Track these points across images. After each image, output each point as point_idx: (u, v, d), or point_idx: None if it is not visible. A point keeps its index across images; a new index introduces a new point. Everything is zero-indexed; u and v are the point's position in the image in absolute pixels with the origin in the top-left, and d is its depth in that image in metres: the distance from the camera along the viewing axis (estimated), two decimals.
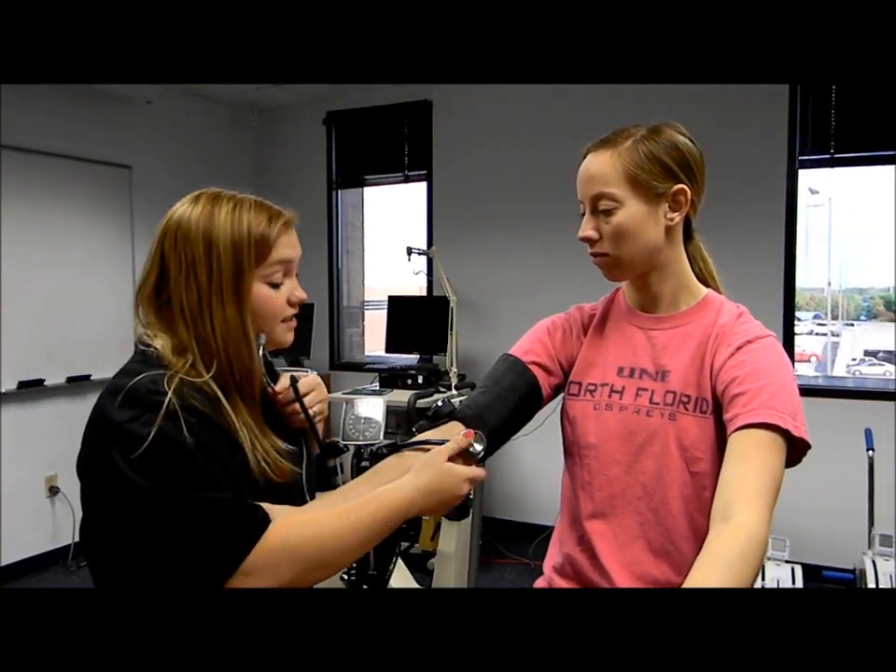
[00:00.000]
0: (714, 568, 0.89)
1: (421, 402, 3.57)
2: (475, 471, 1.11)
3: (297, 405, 1.18)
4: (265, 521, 0.97)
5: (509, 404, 1.22)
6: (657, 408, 1.17)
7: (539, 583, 1.32)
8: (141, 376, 1.00)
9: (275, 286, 1.10)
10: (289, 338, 1.16)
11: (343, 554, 1.01)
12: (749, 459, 0.99)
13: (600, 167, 1.16)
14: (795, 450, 1.03)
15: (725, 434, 1.05)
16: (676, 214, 1.17)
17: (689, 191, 1.16)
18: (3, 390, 3.75)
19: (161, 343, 1.05)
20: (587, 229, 1.19)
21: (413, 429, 1.19)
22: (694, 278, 1.24)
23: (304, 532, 0.99)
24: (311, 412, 1.19)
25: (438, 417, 1.20)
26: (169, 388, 0.98)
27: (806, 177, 3.84)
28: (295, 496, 1.15)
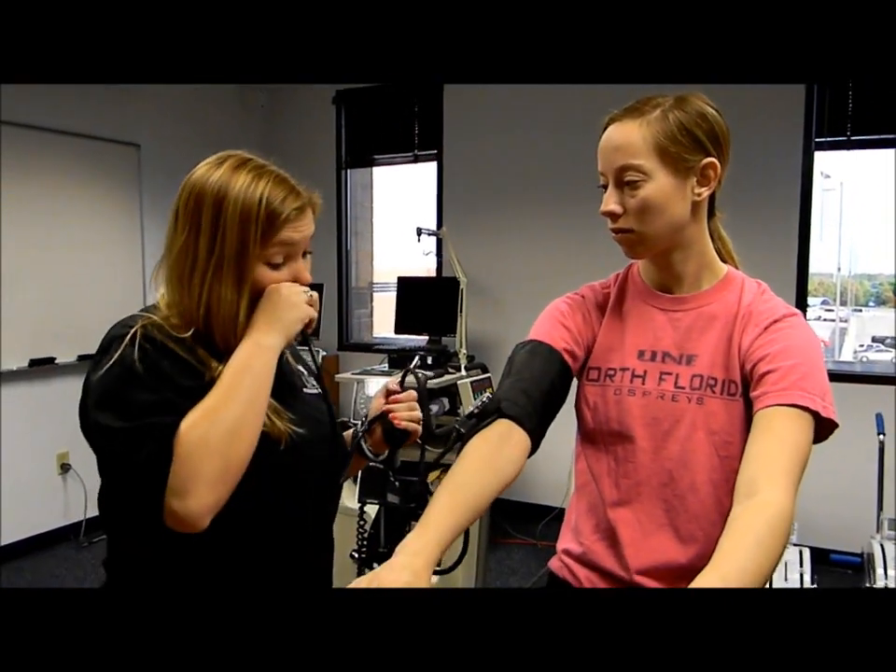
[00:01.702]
0: (742, 544, 0.87)
1: (431, 383, 3.57)
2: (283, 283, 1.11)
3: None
4: (171, 438, 0.96)
5: (550, 397, 1.15)
6: (683, 392, 1.13)
7: (554, 563, 1.30)
8: (125, 317, 1.06)
9: (275, 266, 1.08)
10: None
11: (243, 416, 1.00)
12: (777, 436, 0.98)
13: (627, 137, 1.10)
14: (823, 429, 1.02)
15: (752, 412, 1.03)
16: (704, 189, 1.12)
17: (718, 166, 1.11)
18: (14, 368, 3.77)
19: (161, 298, 1.09)
20: (610, 202, 1.13)
21: (458, 427, 1.11)
22: (717, 256, 1.20)
23: (198, 422, 0.98)
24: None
25: (486, 415, 1.11)
26: (138, 322, 1.03)
27: (819, 161, 3.81)
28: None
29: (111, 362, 0.99)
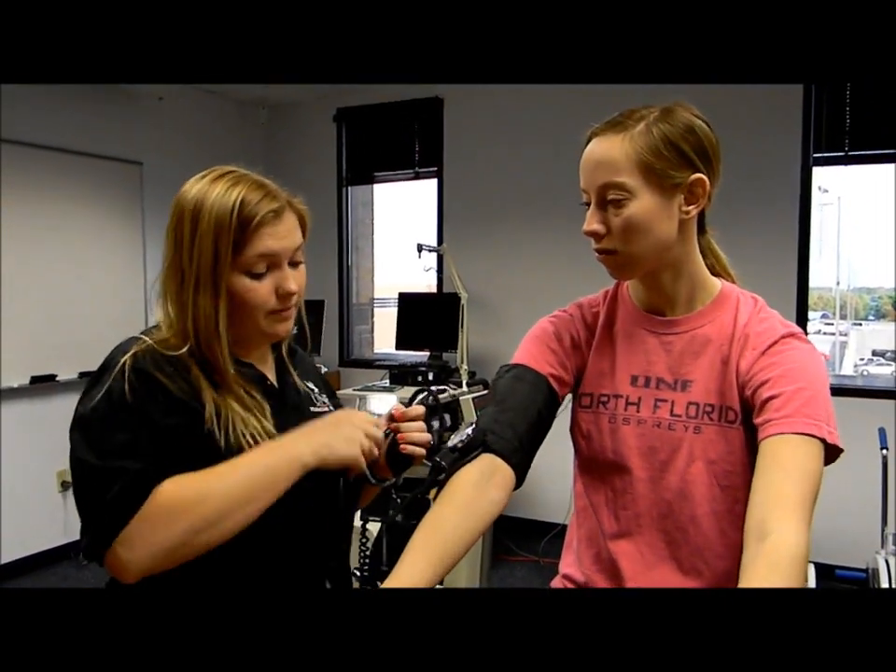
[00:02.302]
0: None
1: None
2: (368, 418, 1.08)
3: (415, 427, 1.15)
4: (146, 491, 0.95)
5: (536, 427, 1.11)
6: (679, 420, 1.09)
7: (556, 583, 1.27)
8: (123, 340, 1.06)
9: (257, 276, 1.06)
10: (281, 329, 1.12)
11: (229, 513, 0.97)
12: (783, 467, 0.93)
13: (609, 153, 1.04)
14: (827, 454, 0.97)
15: (756, 440, 0.99)
16: (692, 206, 1.06)
17: (707, 182, 1.05)
18: (15, 385, 3.77)
19: (159, 316, 1.10)
20: (593, 222, 1.07)
21: (440, 461, 1.06)
22: (709, 274, 1.15)
23: (184, 494, 0.97)
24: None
25: (471, 449, 1.06)
26: (133, 348, 1.03)
27: (816, 176, 3.82)
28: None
29: (98, 396, 0.99)
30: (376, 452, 1.07)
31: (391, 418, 1.18)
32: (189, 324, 1.05)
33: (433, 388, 1.21)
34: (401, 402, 1.21)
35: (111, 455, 0.97)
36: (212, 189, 1.05)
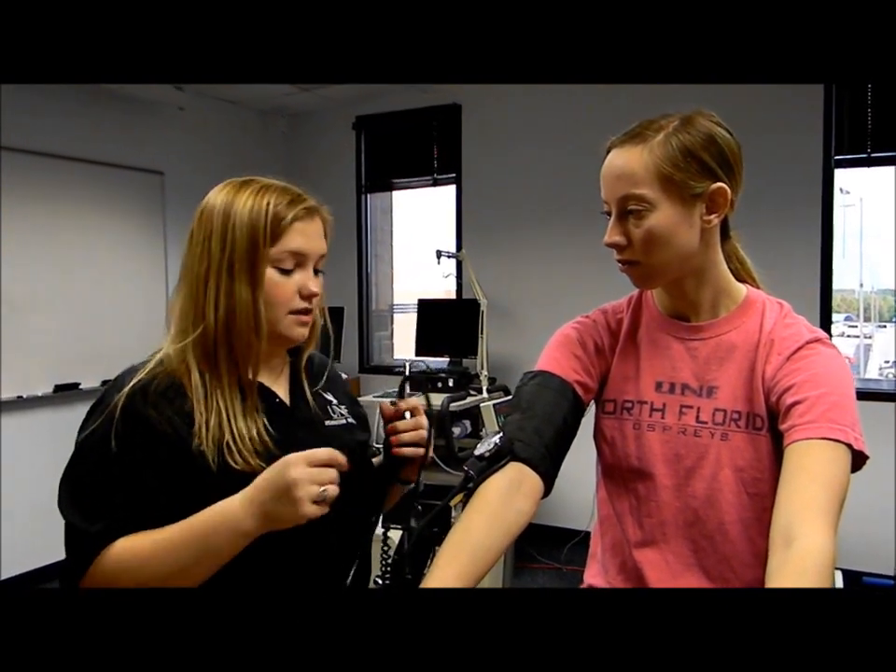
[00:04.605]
0: None
1: (453, 406, 3.56)
2: (308, 454, 0.94)
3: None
4: (96, 553, 1.01)
5: (563, 435, 1.10)
6: (706, 427, 1.08)
7: None
8: (123, 370, 1.09)
9: (285, 272, 1.07)
10: (298, 333, 1.11)
11: (165, 581, 0.98)
12: (809, 473, 0.92)
13: (628, 165, 1.04)
14: (853, 461, 0.95)
15: (782, 446, 0.98)
16: (713, 216, 1.06)
17: (728, 191, 1.04)
18: (39, 394, 3.82)
19: (170, 338, 1.10)
20: (614, 234, 1.07)
21: (468, 470, 1.05)
22: (733, 279, 1.14)
23: (125, 560, 1.00)
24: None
25: (499, 458, 1.05)
26: (128, 384, 1.04)
27: (838, 177, 3.78)
28: None
29: (92, 440, 1.03)
30: (335, 491, 0.95)
31: (385, 418, 1.15)
32: (221, 312, 1.05)
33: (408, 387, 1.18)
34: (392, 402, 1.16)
35: (79, 506, 1.04)
36: (241, 193, 1.07)
